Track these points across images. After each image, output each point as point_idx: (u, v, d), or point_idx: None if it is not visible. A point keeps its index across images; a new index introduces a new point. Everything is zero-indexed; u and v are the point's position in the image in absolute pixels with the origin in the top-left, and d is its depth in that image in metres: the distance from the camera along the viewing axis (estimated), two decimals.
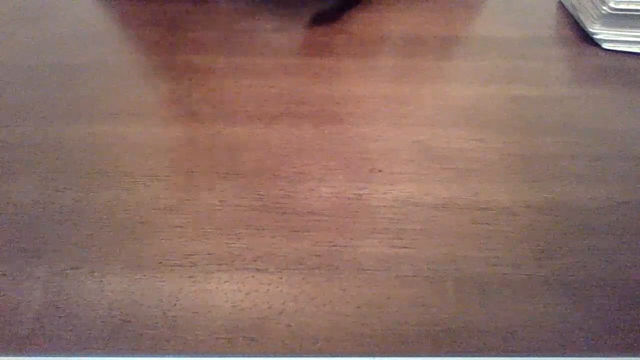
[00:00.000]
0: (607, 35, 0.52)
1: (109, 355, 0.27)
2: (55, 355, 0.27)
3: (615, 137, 0.41)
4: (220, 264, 0.31)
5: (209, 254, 0.31)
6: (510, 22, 0.58)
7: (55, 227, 0.33)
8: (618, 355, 0.27)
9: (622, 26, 0.52)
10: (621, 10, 0.51)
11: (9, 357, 0.27)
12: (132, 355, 0.26)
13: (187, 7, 0.60)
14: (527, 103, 0.45)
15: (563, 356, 0.27)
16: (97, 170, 0.37)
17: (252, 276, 0.30)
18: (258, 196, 0.35)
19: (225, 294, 0.29)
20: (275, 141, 0.40)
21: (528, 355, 0.27)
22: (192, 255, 0.31)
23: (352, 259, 0.31)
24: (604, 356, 0.27)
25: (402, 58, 0.51)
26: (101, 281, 0.30)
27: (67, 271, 0.30)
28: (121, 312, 0.28)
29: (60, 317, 0.28)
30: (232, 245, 0.32)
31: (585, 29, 0.54)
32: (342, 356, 0.27)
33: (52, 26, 0.55)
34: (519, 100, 0.45)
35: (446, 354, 0.27)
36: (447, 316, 0.28)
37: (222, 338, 0.27)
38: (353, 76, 0.48)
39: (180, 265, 0.31)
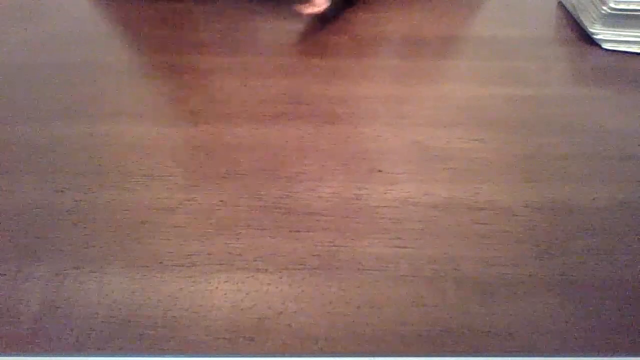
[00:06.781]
0: (607, 35, 0.52)
1: (109, 355, 0.27)
2: (55, 355, 0.27)
3: (615, 137, 0.41)
4: (220, 264, 0.31)
5: (209, 254, 0.31)
6: (510, 22, 0.58)
7: (55, 227, 0.33)
8: (618, 355, 0.27)
9: (622, 26, 0.52)
10: (621, 10, 0.51)
11: (9, 357, 0.27)
12: (132, 355, 0.26)
13: (187, 7, 0.60)
14: (527, 103, 0.45)
15: (563, 356, 0.27)
16: (97, 170, 0.37)
17: (252, 276, 0.30)
18: (258, 196, 0.35)
19: (225, 294, 0.29)
20: (275, 141, 0.40)
21: (528, 355, 0.27)
22: (192, 255, 0.31)
23: (351, 259, 0.31)
24: (604, 356, 0.27)
25: (402, 58, 0.51)
26: (101, 281, 0.30)
27: (67, 271, 0.30)
28: (121, 312, 0.28)
29: (60, 317, 0.28)
30: (232, 245, 0.32)
31: (585, 29, 0.54)
32: (342, 356, 0.27)
33: (52, 26, 0.55)
34: (518, 100, 0.45)
35: (446, 354, 0.27)
36: (447, 316, 0.28)
37: (222, 338, 0.27)
38: (353, 76, 0.48)
39: (180, 265, 0.31)
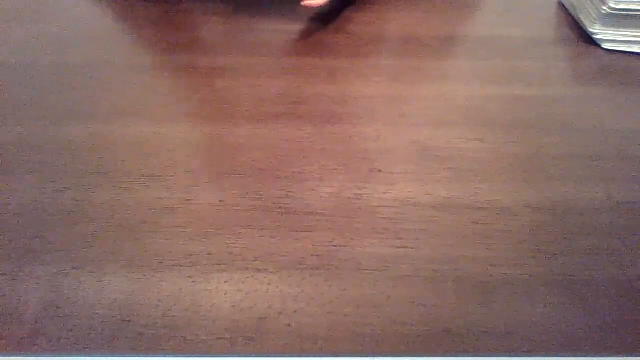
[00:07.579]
0: (607, 35, 0.52)
1: (109, 355, 0.27)
2: (55, 355, 0.27)
3: (615, 137, 0.41)
4: (220, 264, 0.31)
5: (209, 254, 0.31)
6: (510, 22, 0.58)
7: (55, 227, 0.33)
8: (618, 355, 0.27)
9: (622, 26, 0.52)
10: (621, 10, 0.51)
11: (9, 357, 0.27)
12: (132, 355, 0.27)
13: (187, 7, 0.60)
14: (527, 103, 0.45)
15: (563, 356, 0.27)
16: (97, 170, 0.37)
17: (252, 276, 0.30)
18: (258, 196, 0.35)
19: (225, 294, 0.29)
20: (275, 141, 0.40)
21: (528, 355, 0.27)
22: (192, 255, 0.31)
23: (351, 259, 0.31)
24: (604, 356, 0.27)
25: (401, 58, 0.51)
26: (101, 281, 0.30)
27: (67, 271, 0.30)
28: (121, 312, 0.28)
29: (60, 317, 0.28)
30: (232, 245, 0.32)
31: (585, 29, 0.54)
32: (342, 356, 0.27)
33: (52, 26, 0.55)
34: (519, 100, 0.45)
35: (446, 354, 0.27)
36: (447, 316, 0.28)
37: (222, 338, 0.27)
38: (352, 76, 0.48)
39: (180, 265, 0.31)
